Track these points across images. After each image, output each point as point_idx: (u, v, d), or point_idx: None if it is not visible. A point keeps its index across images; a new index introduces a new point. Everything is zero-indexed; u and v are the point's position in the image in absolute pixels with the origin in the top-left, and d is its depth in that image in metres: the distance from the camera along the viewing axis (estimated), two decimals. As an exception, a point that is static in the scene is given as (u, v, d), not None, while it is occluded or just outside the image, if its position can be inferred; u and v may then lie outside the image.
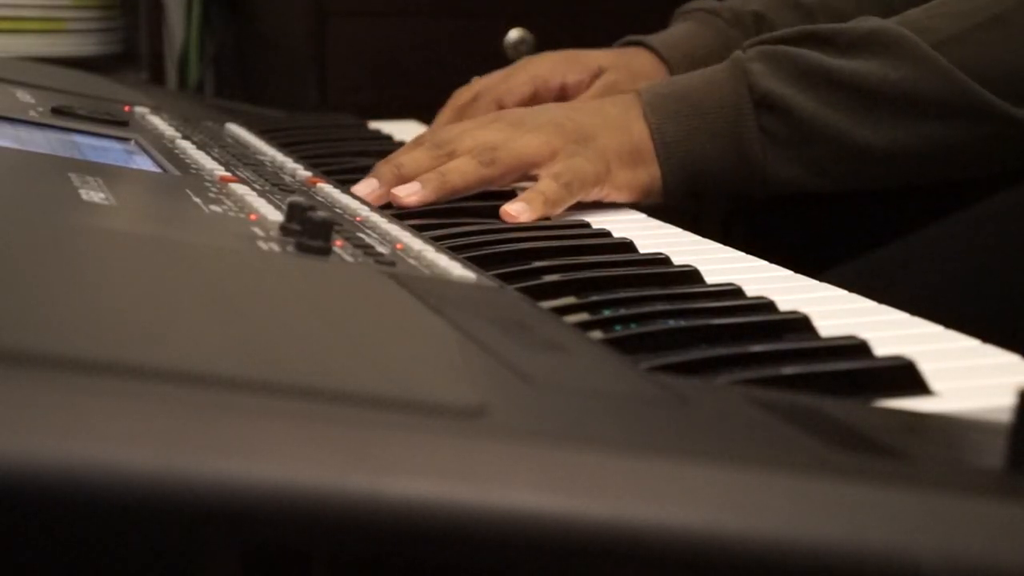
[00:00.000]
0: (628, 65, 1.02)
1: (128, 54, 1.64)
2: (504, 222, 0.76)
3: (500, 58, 1.42)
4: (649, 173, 0.83)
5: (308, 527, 0.30)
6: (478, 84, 1.04)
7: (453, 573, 0.31)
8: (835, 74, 0.80)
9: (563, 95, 1.01)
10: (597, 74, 1.01)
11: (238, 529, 0.29)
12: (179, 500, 0.29)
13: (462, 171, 0.80)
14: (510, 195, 0.85)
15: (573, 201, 0.80)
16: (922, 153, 0.81)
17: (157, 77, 1.62)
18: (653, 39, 1.04)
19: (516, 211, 0.77)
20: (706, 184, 0.84)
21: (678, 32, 1.05)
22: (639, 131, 0.83)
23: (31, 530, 0.28)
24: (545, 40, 1.44)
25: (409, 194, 0.79)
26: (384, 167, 0.83)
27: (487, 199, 0.84)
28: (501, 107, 0.99)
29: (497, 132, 0.83)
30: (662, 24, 1.11)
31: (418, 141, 0.86)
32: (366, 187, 0.81)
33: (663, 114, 0.83)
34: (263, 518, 0.29)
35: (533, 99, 1.00)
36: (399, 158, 0.83)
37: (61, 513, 0.28)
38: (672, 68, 1.02)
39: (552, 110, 0.86)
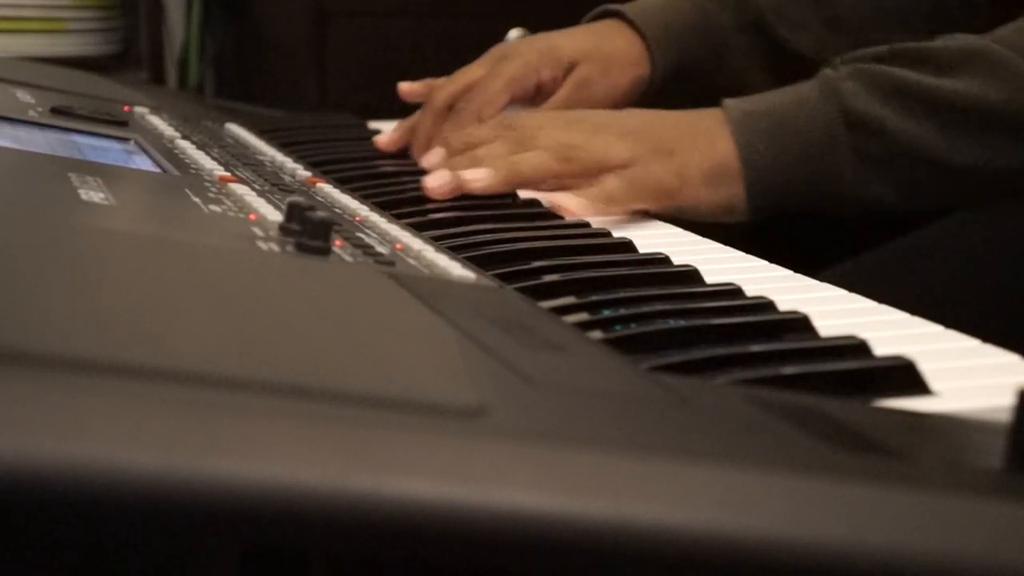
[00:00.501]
0: (601, 51, 1.00)
1: (128, 54, 1.65)
2: (504, 222, 0.76)
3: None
4: (732, 192, 0.82)
5: (308, 527, 0.30)
6: (454, 85, 1.02)
7: (453, 573, 0.31)
8: (932, 94, 0.79)
9: (538, 93, 0.99)
10: (570, 69, 0.99)
11: (238, 529, 0.29)
12: (179, 500, 0.29)
13: (535, 163, 0.80)
14: (510, 196, 0.85)
15: (638, 206, 0.80)
16: (1021, 173, 0.80)
17: (157, 77, 1.62)
18: (628, 8, 1.02)
19: (568, 204, 0.77)
20: (791, 204, 0.83)
21: (656, 2, 1.04)
22: (725, 149, 0.81)
23: (31, 530, 0.28)
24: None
25: (476, 178, 0.80)
26: (460, 160, 0.83)
27: (487, 199, 0.84)
28: (480, 119, 0.97)
29: (578, 134, 0.82)
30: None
31: (494, 131, 0.86)
32: (439, 179, 0.81)
33: (751, 132, 0.81)
34: (263, 518, 0.29)
35: (511, 103, 0.99)
36: (478, 151, 0.83)
37: (61, 513, 0.28)
38: (650, 43, 1.00)
39: (638, 116, 0.85)
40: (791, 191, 0.82)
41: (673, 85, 1.00)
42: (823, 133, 0.80)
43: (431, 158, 0.87)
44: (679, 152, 0.81)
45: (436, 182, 0.81)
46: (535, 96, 1.00)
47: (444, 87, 1.02)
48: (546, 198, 0.80)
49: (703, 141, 0.82)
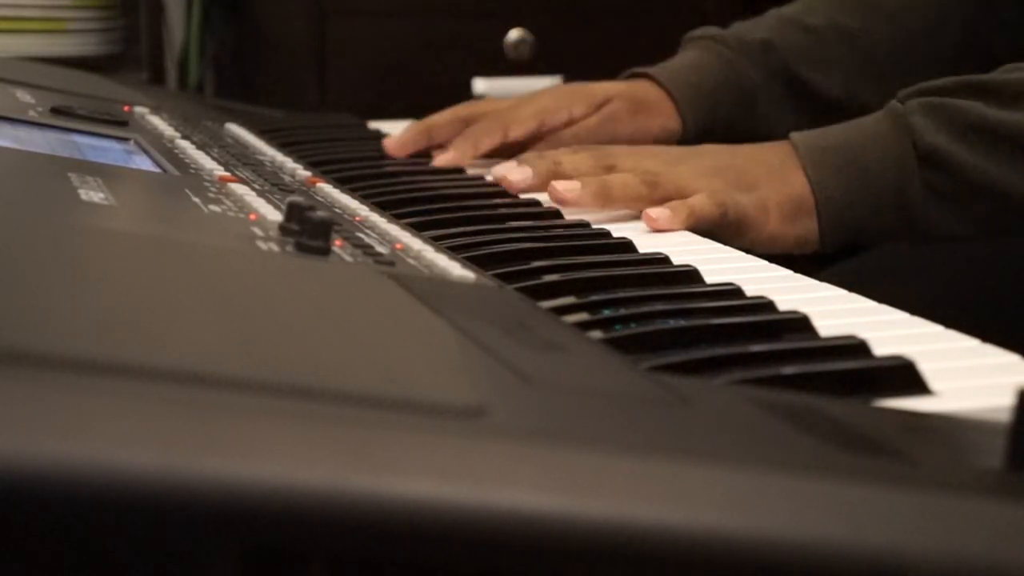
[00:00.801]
0: (634, 95, 1.01)
1: (128, 54, 1.64)
2: (504, 222, 0.76)
3: (500, 58, 1.43)
4: (806, 227, 0.82)
5: (308, 527, 0.30)
6: (486, 105, 1.03)
7: (453, 573, 0.31)
8: (1003, 128, 0.79)
9: (568, 129, 1.00)
10: (602, 104, 1.00)
11: (238, 529, 0.29)
12: (179, 500, 0.29)
13: (624, 183, 0.80)
14: (509, 196, 0.85)
15: (719, 222, 0.79)
16: None
17: (157, 77, 1.62)
18: (657, 71, 1.03)
19: (657, 217, 0.77)
20: (864, 238, 0.84)
21: (683, 62, 1.04)
22: (799, 184, 0.82)
23: (31, 530, 0.28)
24: (545, 40, 1.44)
25: (568, 189, 0.79)
26: (539, 161, 0.82)
27: (488, 198, 0.84)
28: (505, 135, 0.97)
29: (658, 162, 0.82)
30: (661, 25, 1.11)
31: (579, 151, 0.86)
32: (520, 173, 0.81)
33: (823, 168, 0.81)
34: (263, 518, 0.29)
35: (538, 131, 0.99)
36: (557, 156, 0.83)
37: (61, 513, 0.28)
38: (677, 100, 1.01)
39: (713, 152, 0.85)
40: (865, 228, 0.82)
41: (706, 139, 1.01)
42: (895, 169, 0.81)
43: (505, 166, 0.86)
44: (760, 186, 0.81)
45: (518, 176, 0.81)
46: (565, 130, 1.00)
47: (472, 103, 1.04)
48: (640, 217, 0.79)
49: (777, 176, 0.82)
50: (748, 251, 0.76)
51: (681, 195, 0.79)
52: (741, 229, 0.80)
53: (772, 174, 0.82)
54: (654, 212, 0.77)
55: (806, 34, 1.03)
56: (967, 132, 0.79)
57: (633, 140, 0.98)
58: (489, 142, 0.97)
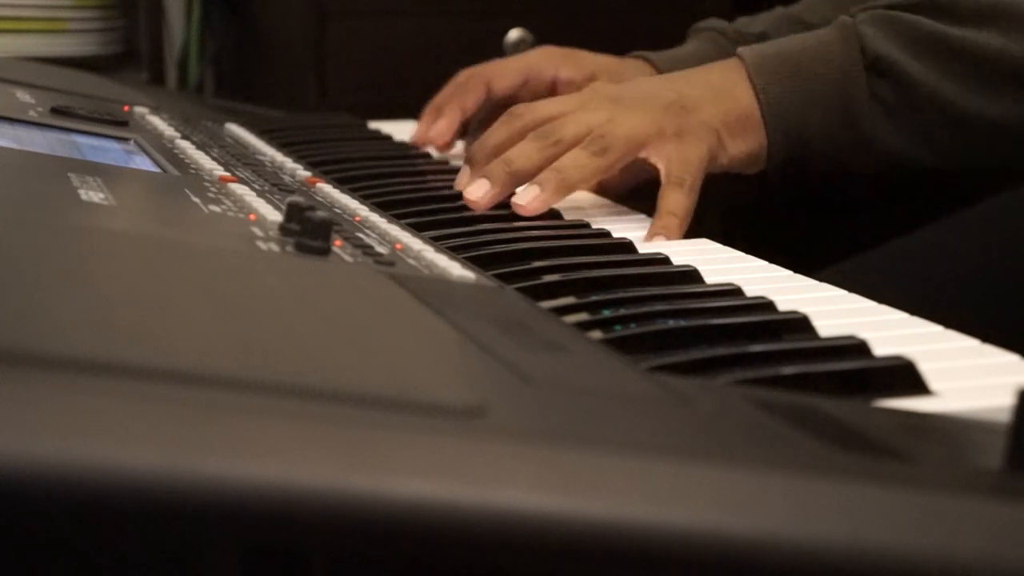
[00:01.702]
0: (622, 74, 1.01)
1: (128, 54, 1.65)
2: (504, 222, 0.76)
3: (500, 58, 1.42)
4: (757, 140, 0.81)
5: (308, 527, 0.30)
6: (482, 68, 1.04)
7: (453, 573, 0.31)
8: (953, 43, 0.78)
9: (553, 89, 1.00)
10: (590, 77, 1.00)
11: (238, 529, 0.29)
12: (179, 500, 0.29)
13: (579, 166, 0.78)
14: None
15: (698, 178, 0.78)
16: None
17: (157, 77, 1.62)
18: (655, 55, 1.03)
19: (660, 239, 0.75)
20: (809, 152, 0.82)
21: (683, 51, 1.05)
22: (744, 97, 0.81)
23: (31, 530, 0.28)
24: (545, 40, 1.43)
25: (531, 199, 0.77)
26: (494, 166, 0.79)
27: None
28: (490, 89, 0.98)
29: (597, 112, 0.80)
30: (660, 24, 1.11)
31: (512, 125, 0.82)
32: (479, 188, 0.79)
33: (768, 76, 0.81)
34: (263, 518, 0.29)
35: (523, 87, 0.99)
36: (508, 154, 0.80)
37: (61, 513, 0.28)
38: None
39: (650, 83, 0.84)
40: (809, 138, 0.81)
41: None
42: (841, 75, 0.80)
43: (461, 180, 0.83)
44: (703, 108, 0.80)
45: (477, 193, 0.78)
46: (550, 91, 1.00)
47: (469, 69, 1.03)
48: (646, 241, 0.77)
49: (720, 91, 0.81)
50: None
51: (634, 148, 0.78)
52: (704, 168, 0.79)
53: (715, 93, 0.81)
54: (653, 242, 0.75)
55: (804, 30, 1.03)
56: (919, 44, 0.79)
57: None
58: (474, 98, 0.98)
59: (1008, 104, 0.79)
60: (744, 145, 0.81)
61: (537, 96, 0.98)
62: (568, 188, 0.78)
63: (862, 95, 0.80)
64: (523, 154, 0.79)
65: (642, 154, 0.79)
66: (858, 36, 0.80)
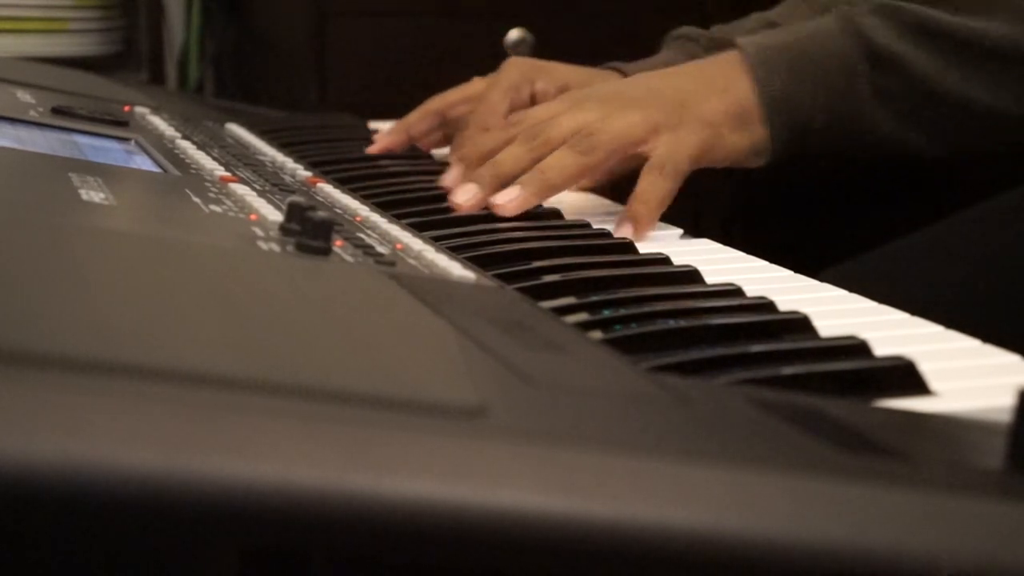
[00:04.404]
0: (593, 84, 0.99)
1: (128, 54, 1.65)
2: (504, 222, 0.76)
3: (500, 58, 1.42)
4: (757, 133, 0.80)
5: (308, 527, 0.30)
6: (453, 94, 1.02)
7: (453, 573, 0.31)
8: (955, 32, 0.78)
9: (532, 103, 1.00)
10: (562, 88, 0.98)
11: (238, 529, 0.29)
12: (179, 500, 0.29)
13: (561, 166, 0.76)
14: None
15: (685, 174, 0.77)
16: None
17: (157, 77, 1.62)
18: (626, 67, 1.02)
19: (628, 234, 0.74)
20: (811, 143, 0.81)
21: (654, 60, 1.03)
22: (743, 88, 0.80)
23: (31, 530, 0.28)
24: (545, 40, 1.44)
25: (509, 200, 0.76)
26: (483, 170, 0.79)
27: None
28: (487, 129, 0.95)
29: (590, 112, 0.79)
30: (661, 25, 1.11)
31: (507, 131, 0.82)
32: (465, 193, 0.77)
33: (768, 67, 0.79)
34: (263, 518, 0.29)
35: (510, 110, 0.97)
36: (497, 157, 0.79)
37: (61, 513, 0.28)
38: None
39: (646, 79, 0.82)
40: (811, 129, 0.80)
41: None
42: (842, 66, 0.79)
43: (450, 177, 0.82)
44: (700, 102, 0.79)
45: (463, 197, 0.77)
46: (530, 106, 0.99)
47: (442, 95, 1.02)
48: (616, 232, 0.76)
49: (720, 85, 0.80)
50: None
51: (624, 146, 0.77)
52: (692, 160, 0.78)
53: (713, 85, 0.80)
54: (620, 232, 0.74)
55: None
56: (920, 35, 0.78)
57: None
58: (475, 151, 0.97)
59: (1010, 90, 0.78)
60: (745, 138, 0.80)
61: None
62: (550, 188, 0.77)
63: (864, 85, 0.79)
64: (511, 157, 0.79)
65: (638, 150, 0.78)
66: (858, 27, 0.79)
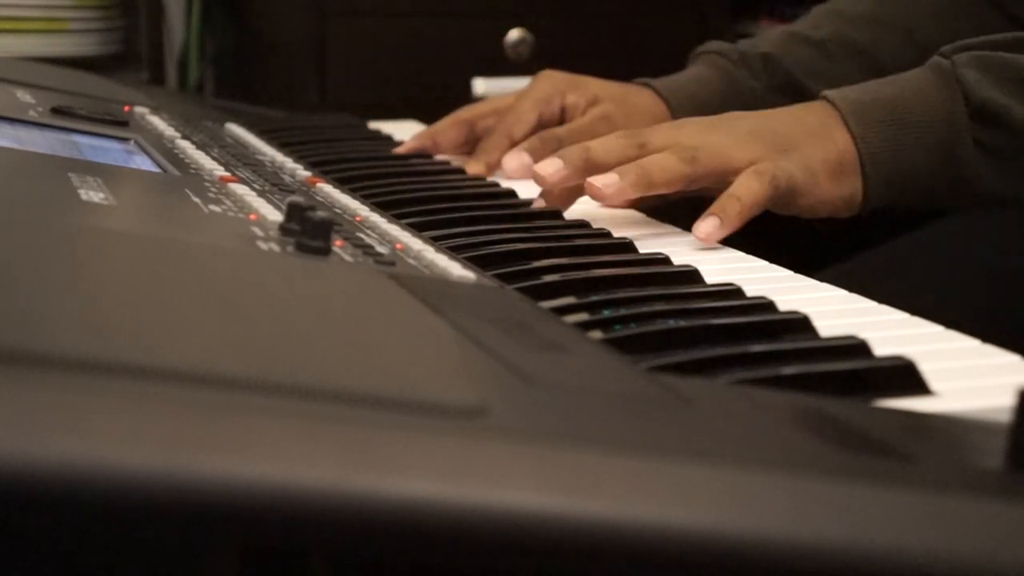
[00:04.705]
0: (627, 99, 1.00)
1: (128, 54, 1.64)
2: (504, 222, 0.76)
3: (500, 58, 1.43)
4: (853, 185, 0.78)
5: (308, 527, 0.30)
6: (484, 106, 1.03)
7: (453, 573, 0.31)
8: None
9: (563, 117, 0.99)
10: (593, 102, 0.99)
11: (238, 529, 0.29)
12: (179, 500, 0.29)
13: (663, 165, 0.74)
14: (507, 194, 0.85)
15: (775, 202, 0.74)
16: None
17: (157, 77, 1.62)
18: (657, 82, 1.02)
19: (706, 232, 0.72)
20: (910, 198, 0.79)
21: (685, 76, 1.03)
22: (842, 140, 0.78)
23: (31, 530, 0.28)
24: (545, 40, 1.44)
25: (607, 184, 0.74)
26: (572, 149, 0.77)
27: (488, 198, 0.84)
28: (512, 140, 0.96)
29: (692, 135, 0.77)
30: (661, 25, 1.11)
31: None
32: (551, 166, 0.76)
33: (866, 123, 0.78)
34: (263, 518, 0.29)
35: (538, 125, 0.98)
36: (589, 142, 0.77)
37: (61, 513, 0.28)
38: (674, 110, 0.99)
39: (746, 118, 0.80)
40: (911, 186, 0.78)
41: None
42: (945, 124, 0.77)
43: (548, 167, 0.78)
44: (801, 146, 0.77)
45: (549, 169, 0.75)
46: (560, 120, 0.99)
47: (472, 105, 1.02)
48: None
49: (819, 135, 0.78)
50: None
51: (724, 168, 0.75)
52: (791, 197, 0.76)
53: (812, 134, 0.78)
54: (703, 228, 0.72)
55: (810, 47, 1.02)
56: (1022, 86, 0.76)
57: None
58: (499, 154, 0.96)
59: None
60: (840, 189, 0.78)
61: (549, 127, 0.97)
62: (648, 185, 0.74)
63: (968, 145, 0.77)
64: (604, 145, 0.77)
65: (730, 178, 0.75)
66: (958, 81, 0.77)
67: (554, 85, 1.00)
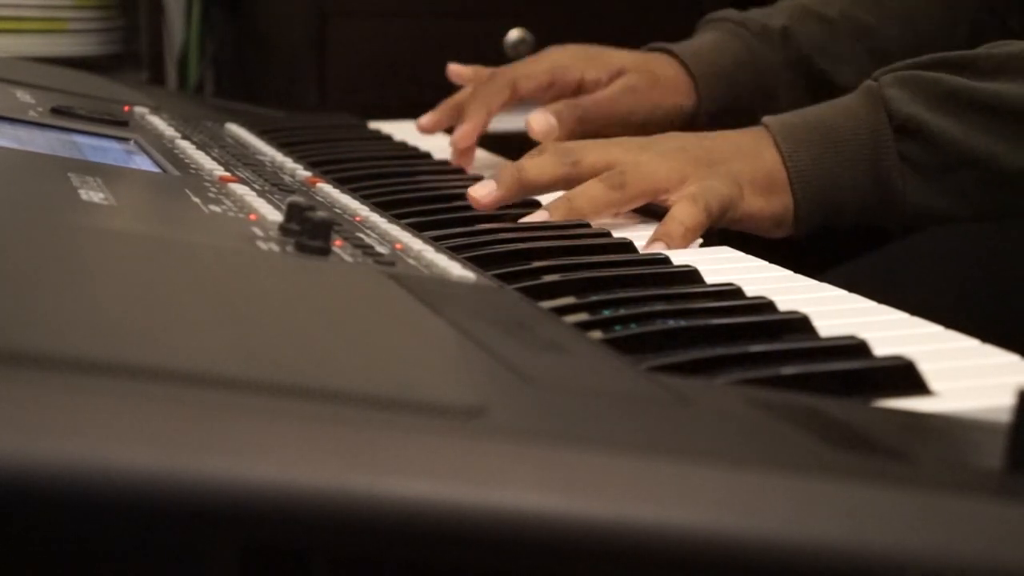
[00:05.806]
0: (650, 68, 1.00)
1: (128, 54, 1.64)
2: (504, 222, 0.76)
3: (500, 58, 1.42)
4: (783, 203, 0.80)
5: (308, 527, 0.30)
6: (505, 69, 1.04)
7: (453, 573, 0.31)
8: (979, 97, 0.77)
9: (579, 90, 0.99)
10: (616, 75, 0.99)
11: (238, 529, 0.29)
12: (179, 500, 0.29)
13: (590, 196, 0.77)
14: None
15: (710, 225, 0.76)
16: None
17: (157, 77, 1.62)
18: (678, 47, 1.02)
19: (659, 250, 0.73)
20: (841, 215, 0.81)
21: (704, 42, 1.04)
22: (771, 159, 0.79)
23: (31, 530, 0.28)
24: (545, 40, 1.43)
25: (536, 217, 0.76)
26: (505, 170, 0.79)
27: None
28: (515, 89, 0.98)
29: (623, 152, 0.79)
30: (660, 25, 1.11)
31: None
32: (484, 188, 0.78)
33: (795, 142, 0.79)
34: (263, 518, 0.29)
35: (550, 87, 0.99)
36: (522, 161, 0.80)
37: (61, 513, 0.28)
38: (697, 79, 1.00)
39: (677, 137, 0.82)
40: (840, 202, 0.80)
41: (721, 121, 0.99)
42: (870, 140, 0.79)
43: (480, 190, 0.80)
44: (729, 161, 0.79)
45: (481, 192, 0.78)
46: (575, 92, 0.99)
47: (495, 69, 1.03)
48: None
49: (749, 153, 0.80)
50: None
51: (653, 188, 0.77)
52: (725, 207, 0.77)
53: (742, 152, 0.80)
54: (653, 249, 0.73)
55: (821, 24, 1.03)
56: (944, 101, 0.78)
57: (649, 115, 0.98)
58: (500, 99, 0.97)
59: None
60: (767, 205, 0.79)
61: (563, 98, 0.98)
62: (576, 216, 0.77)
63: (892, 158, 0.79)
64: (536, 165, 0.79)
65: (661, 197, 0.77)
66: (883, 99, 0.79)
67: (574, 58, 1.01)
